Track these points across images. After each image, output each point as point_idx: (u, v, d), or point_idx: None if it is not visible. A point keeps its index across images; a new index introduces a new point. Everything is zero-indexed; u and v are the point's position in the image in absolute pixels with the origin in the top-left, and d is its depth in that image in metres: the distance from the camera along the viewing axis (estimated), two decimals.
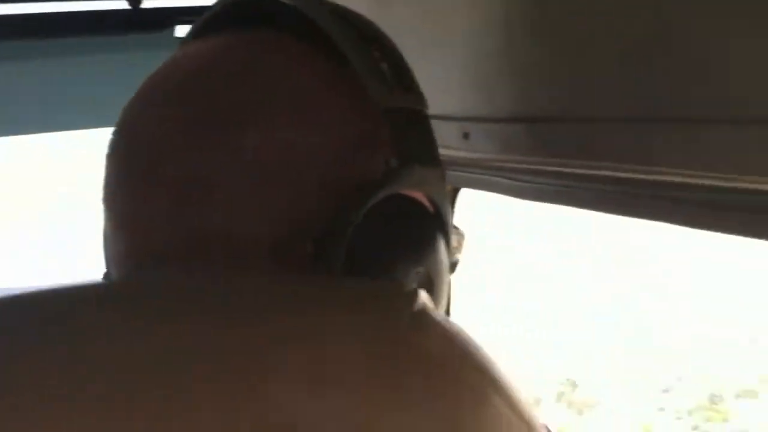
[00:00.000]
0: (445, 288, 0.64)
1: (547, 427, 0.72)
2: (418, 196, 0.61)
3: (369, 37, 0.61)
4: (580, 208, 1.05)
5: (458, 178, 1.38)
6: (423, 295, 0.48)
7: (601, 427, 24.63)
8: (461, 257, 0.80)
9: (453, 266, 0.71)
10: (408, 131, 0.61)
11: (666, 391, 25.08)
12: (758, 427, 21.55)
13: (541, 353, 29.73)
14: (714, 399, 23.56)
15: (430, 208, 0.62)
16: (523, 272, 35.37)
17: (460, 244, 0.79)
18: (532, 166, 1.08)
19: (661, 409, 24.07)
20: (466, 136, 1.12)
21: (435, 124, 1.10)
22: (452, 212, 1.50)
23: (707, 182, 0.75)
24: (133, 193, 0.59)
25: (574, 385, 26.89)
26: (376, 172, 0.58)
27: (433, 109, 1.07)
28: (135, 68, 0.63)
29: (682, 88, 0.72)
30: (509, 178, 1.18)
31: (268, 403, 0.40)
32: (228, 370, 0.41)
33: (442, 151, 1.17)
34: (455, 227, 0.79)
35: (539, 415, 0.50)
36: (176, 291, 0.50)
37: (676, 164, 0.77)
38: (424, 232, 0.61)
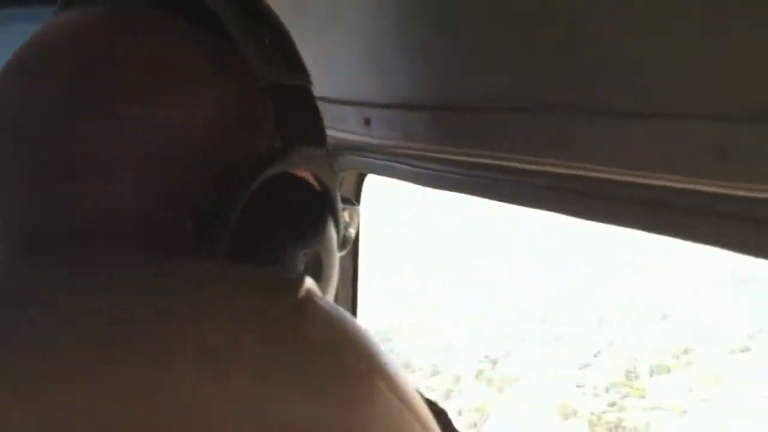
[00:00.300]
0: (334, 265, 0.64)
1: (437, 408, 0.72)
2: (305, 175, 0.60)
3: (253, 13, 0.59)
4: (479, 197, 1.05)
5: (362, 164, 1.39)
6: (308, 282, 0.47)
7: (520, 403, 25.10)
8: (354, 232, 0.81)
9: (346, 241, 0.72)
10: (293, 110, 0.60)
11: (583, 368, 25.69)
12: (672, 402, 22.27)
13: (460, 332, 30.15)
14: (630, 375, 24.24)
15: (317, 188, 0.61)
16: (441, 255, 35.72)
17: (353, 218, 0.80)
18: (432, 154, 1.08)
19: (580, 386, 24.64)
20: (367, 122, 1.12)
21: (337, 110, 1.16)
22: (352, 192, 1.54)
23: (603, 175, 0.76)
24: (1, 174, 0.55)
25: (494, 362, 27.37)
26: (261, 151, 0.57)
27: (335, 94, 1.13)
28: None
29: (579, 79, 0.73)
30: (411, 165, 1.19)
31: (165, 387, 0.39)
32: (121, 354, 0.40)
33: (344, 136, 1.22)
34: (351, 201, 0.82)
35: (422, 397, 0.49)
36: (56, 277, 0.48)
37: (571, 156, 0.77)
38: (311, 212, 0.60)
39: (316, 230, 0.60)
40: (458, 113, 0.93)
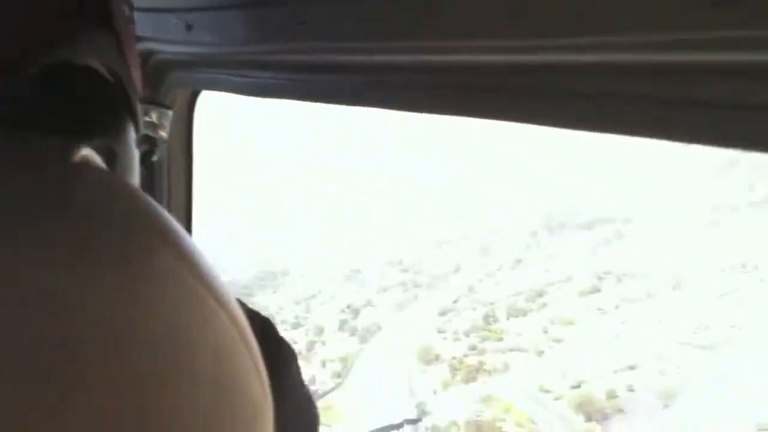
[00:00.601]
0: (132, 162, 0.62)
1: (260, 316, 0.71)
2: (95, 64, 0.57)
3: None
4: (310, 101, 1.03)
5: (191, 80, 1.39)
6: (86, 150, 0.50)
7: (383, 352, 25.46)
8: (165, 135, 0.82)
9: (153, 142, 0.76)
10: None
11: (444, 314, 26.36)
12: (529, 343, 23.22)
13: (322, 282, 30.25)
14: (488, 320, 25.07)
15: (109, 78, 0.59)
16: (301, 203, 35.62)
17: (161, 122, 0.81)
18: (258, 57, 1.09)
19: (441, 332, 25.26)
20: (189, 28, 1.13)
21: (157, 18, 1.17)
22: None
23: (425, 57, 0.77)
24: None
25: (356, 312, 27.63)
26: (40, 39, 0.54)
27: (153, 3, 1.13)
28: None
29: None
30: (240, 75, 1.18)
31: None
32: None
33: (169, 48, 1.26)
34: (159, 105, 0.83)
35: (244, 306, 0.44)
36: None
37: (403, 39, 0.77)
38: (101, 103, 0.58)
39: (107, 120, 0.58)
40: (277, 8, 0.92)
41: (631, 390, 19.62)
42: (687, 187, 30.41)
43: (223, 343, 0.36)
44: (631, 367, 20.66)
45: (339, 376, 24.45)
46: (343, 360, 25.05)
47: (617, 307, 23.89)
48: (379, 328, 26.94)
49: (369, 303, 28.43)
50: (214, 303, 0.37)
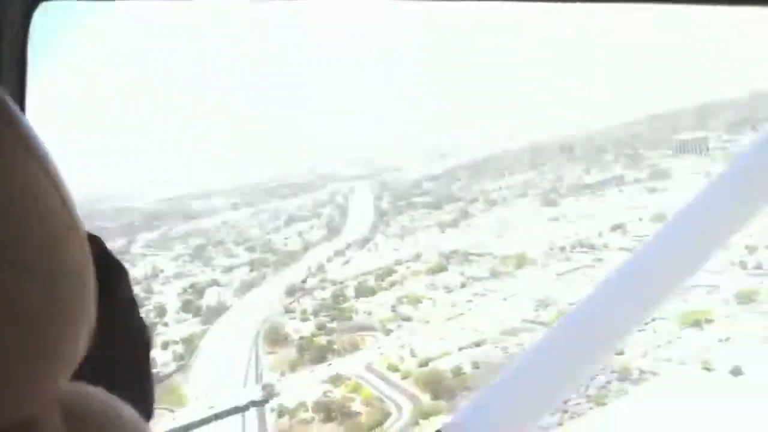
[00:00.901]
0: None
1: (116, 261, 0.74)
2: None
3: None
4: None
5: None
6: None
7: (229, 332, 24.78)
8: None
9: None
10: None
11: (292, 293, 25.95)
12: (377, 322, 23.23)
13: (163, 259, 29.16)
14: (338, 299, 24.88)
15: None
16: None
17: None
18: None
19: (289, 311, 24.86)
20: None
21: None
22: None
23: None
24: None
25: (200, 292, 26.72)
26: None
27: None
28: None
29: None
30: None
31: None
32: None
33: None
34: None
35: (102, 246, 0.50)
36: None
37: None
38: None
39: None
40: None
41: (476, 367, 19.94)
42: (527, 169, 31.30)
43: (41, 196, 0.38)
44: (477, 344, 21.02)
45: (182, 358, 23.57)
46: (187, 342, 24.14)
47: (463, 285, 24.28)
48: (225, 308, 26.20)
49: (215, 282, 27.58)
50: (40, 173, 0.38)
